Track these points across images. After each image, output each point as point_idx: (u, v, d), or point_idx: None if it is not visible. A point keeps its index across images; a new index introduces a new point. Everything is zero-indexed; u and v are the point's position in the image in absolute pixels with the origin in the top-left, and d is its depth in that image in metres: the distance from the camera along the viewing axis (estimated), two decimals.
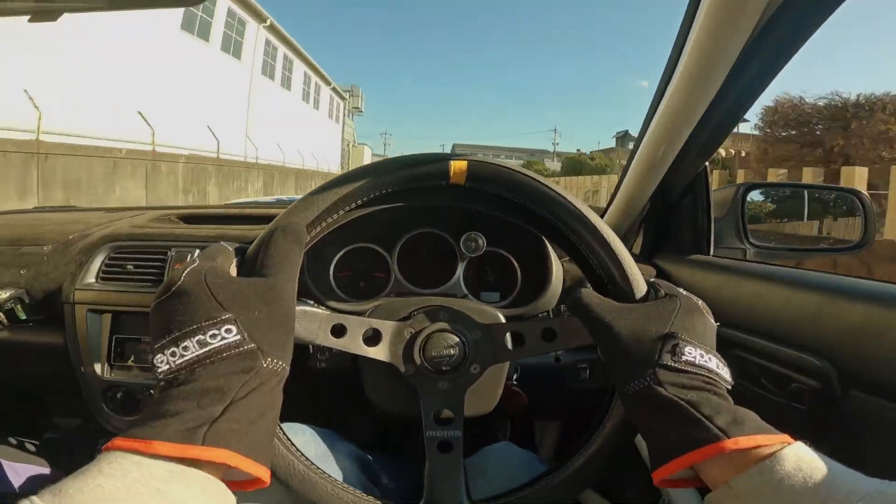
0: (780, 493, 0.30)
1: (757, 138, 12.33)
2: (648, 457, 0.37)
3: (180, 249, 0.77)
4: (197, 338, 0.32)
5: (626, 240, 0.94)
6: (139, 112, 8.79)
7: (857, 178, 7.29)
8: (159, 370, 0.32)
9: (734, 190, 0.84)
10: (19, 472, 0.86)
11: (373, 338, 0.50)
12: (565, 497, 0.47)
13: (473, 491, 0.51)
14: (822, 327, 0.52)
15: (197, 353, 0.32)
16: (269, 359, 0.33)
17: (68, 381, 0.79)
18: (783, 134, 11.19)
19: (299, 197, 0.47)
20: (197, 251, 0.76)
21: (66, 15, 0.64)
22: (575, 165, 24.49)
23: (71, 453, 1.02)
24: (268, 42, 16.28)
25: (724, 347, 0.61)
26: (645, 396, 0.36)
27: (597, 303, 0.42)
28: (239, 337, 0.33)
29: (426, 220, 0.78)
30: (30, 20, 0.65)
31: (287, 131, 17.26)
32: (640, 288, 0.45)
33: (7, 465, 0.85)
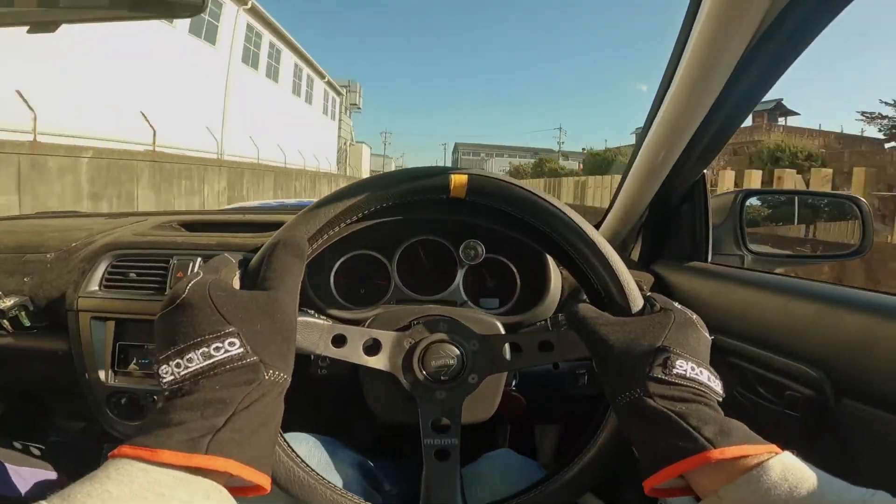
0: (766, 503, 0.30)
1: None
2: (639, 466, 0.38)
3: (182, 258, 0.78)
4: (201, 350, 0.33)
5: (625, 246, 0.94)
6: (18, 92, 6.30)
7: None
8: (164, 381, 0.33)
9: (732, 196, 0.84)
10: (24, 476, 0.87)
11: (373, 347, 0.51)
12: None
13: (471, 498, 0.52)
14: (817, 336, 0.53)
15: (201, 364, 0.33)
16: (271, 371, 0.35)
17: (72, 387, 0.80)
18: None
19: (305, 201, 0.48)
20: (199, 260, 0.77)
21: None
22: (599, 163, 20.08)
23: (75, 457, 1.03)
24: (250, 27, 14.59)
25: (720, 355, 0.62)
26: (635, 408, 0.37)
27: (592, 316, 0.43)
28: (242, 350, 0.34)
29: (426, 228, 0.78)
30: (28, 31, 0.66)
31: (273, 126, 15.72)
32: (637, 302, 0.45)
33: (12, 469, 0.86)
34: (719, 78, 0.62)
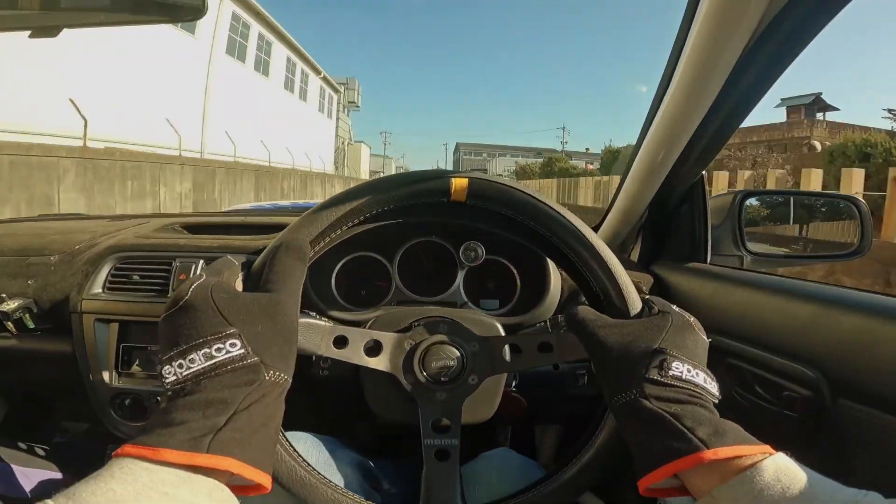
0: (759, 503, 0.31)
1: None
2: (635, 466, 0.39)
3: (184, 260, 0.78)
4: (203, 351, 0.34)
5: (625, 247, 0.95)
6: None
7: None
8: (167, 381, 0.34)
9: (731, 197, 0.85)
10: (30, 476, 0.88)
11: (374, 349, 0.51)
12: None
13: (470, 497, 0.53)
14: (814, 337, 0.54)
15: (203, 365, 0.33)
16: (271, 371, 0.35)
17: (76, 388, 0.81)
18: None
19: (310, 202, 0.49)
20: (202, 262, 0.77)
21: None
22: (624, 161, 21.31)
23: (80, 458, 1.04)
24: (236, 17, 13.47)
25: (719, 356, 0.62)
26: (631, 408, 0.38)
27: (591, 319, 0.44)
28: (243, 351, 0.34)
29: (426, 230, 0.79)
30: (30, 36, 0.66)
31: (261, 123, 14.57)
32: (635, 305, 0.46)
33: (18, 469, 0.87)
34: (717, 79, 0.62)
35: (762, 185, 9.66)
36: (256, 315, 0.36)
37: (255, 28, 14.91)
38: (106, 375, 0.78)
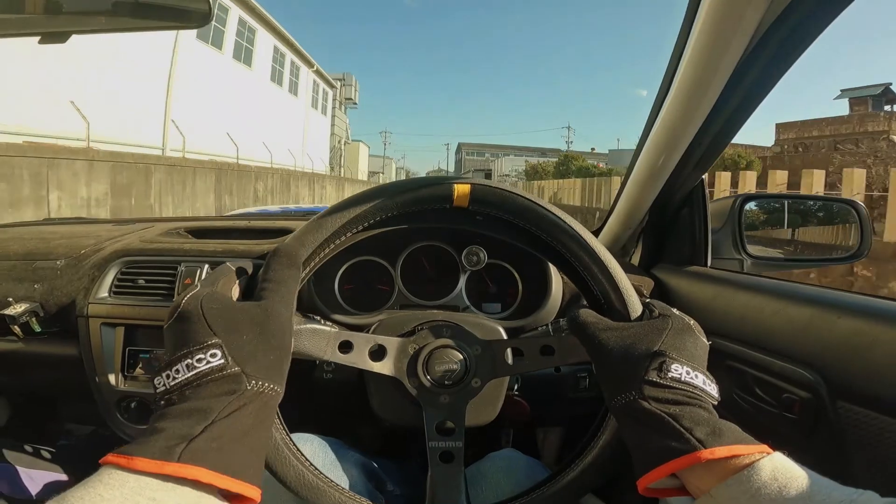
0: (757, 502, 0.32)
1: None
2: (633, 466, 0.39)
3: (190, 264, 0.79)
4: (186, 362, 0.35)
5: (626, 251, 0.95)
6: None
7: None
8: (158, 391, 0.35)
9: (731, 201, 0.85)
10: (36, 478, 0.88)
11: (378, 353, 0.52)
12: None
13: (476, 497, 0.53)
14: (813, 340, 0.54)
15: (186, 375, 0.34)
16: (254, 381, 0.35)
17: (82, 391, 0.81)
18: None
19: (316, 207, 0.49)
20: (207, 266, 0.78)
21: None
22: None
23: (85, 460, 1.05)
24: None
25: (719, 358, 0.63)
26: (630, 409, 0.39)
27: (593, 322, 0.45)
28: (223, 361, 0.35)
29: (429, 234, 0.80)
30: (40, 42, 0.67)
31: (238, 116, 12.89)
32: (635, 308, 0.47)
33: (24, 472, 0.88)
34: (717, 83, 0.63)
35: (838, 185, 8.25)
36: (243, 324, 0.37)
37: (235, 12, 13.20)
38: (112, 378, 0.79)
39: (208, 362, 0.34)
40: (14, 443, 1.01)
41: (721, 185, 9.70)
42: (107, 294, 0.80)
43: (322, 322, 0.54)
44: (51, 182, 5.97)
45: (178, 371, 0.34)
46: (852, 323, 0.51)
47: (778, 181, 8.60)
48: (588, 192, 16.84)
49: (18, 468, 0.90)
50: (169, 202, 8.06)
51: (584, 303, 0.52)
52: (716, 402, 0.39)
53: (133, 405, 0.79)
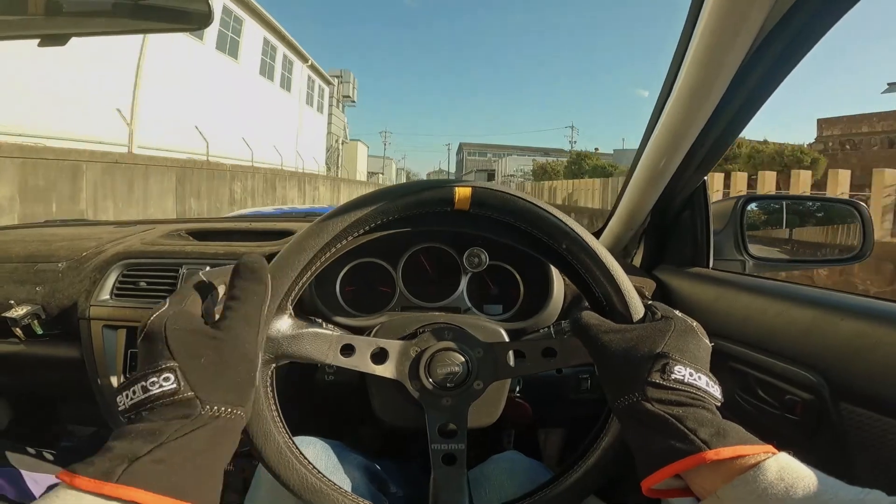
0: (764, 502, 0.31)
1: None
2: (637, 467, 0.39)
3: (191, 266, 0.79)
4: (141, 383, 0.34)
5: (627, 252, 0.95)
6: None
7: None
8: (119, 409, 0.35)
9: (733, 202, 0.85)
10: (38, 481, 0.88)
11: (380, 356, 0.52)
12: None
13: (479, 499, 0.53)
14: (815, 341, 0.54)
15: (140, 397, 0.34)
16: (209, 406, 0.35)
17: (84, 392, 0.81)
18: None
19: (319, 208, 0.49)
20: (208, 268, 0.78)
21: None
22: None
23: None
24: None
25: (721, 360, 0.63)
26: (633, 411, 0.39)
27: (595, 324, 0.45)
28: (175, 386, 0.34)
29: (430, 236, 0.80)
30: (40, 44, 0.67)
31: (222, 112, 11.75)
32: (637, 310, 0.46)
33: (27, 474, 0.88)
34: (719, 86, 0.63)
35: None
36: (201, 348, 0.36)
37: (219, 0, 11.84)
38: (114, 380, 0.79)
39: (161, 386, 0.34)
40: (16, 445, 1.01)
41: (765, 185, 8.38)
42: (108, 296, 0.80)
43: (324, 325, 0.54)
44: None
45: (134, 392, 0.34)
46: (855, 325, 0.51)
47: (840, 182, 7.52)
48: (612, 192, 15.17)
49: (22, 471, 0.90)
50: (109, 207, 6.59)
51: (586, 305, 0.52)
52: (719, 404, 0.39)
53: None
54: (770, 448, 0.34)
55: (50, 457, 1.02)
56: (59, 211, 5.82)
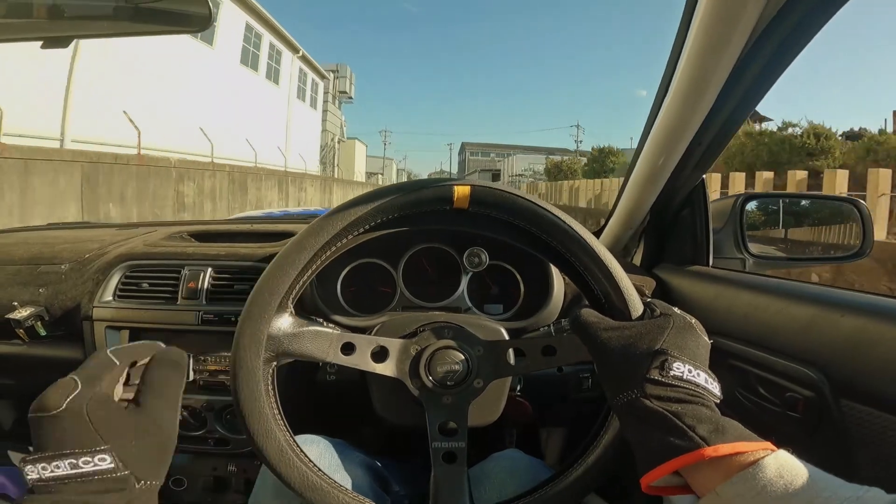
0: (763, 500, 0.32)
1: None
2: (636, 464, 0.39)
3: (193, 268, 0.80)
4: (70, 461, 0.35)
5: (627, 251, 0.95)
6: None
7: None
8: (29, 477, 0.35)
9: (733, 201, 0.86)
10: None
11: (380, 354, 0.52)
12: None
13: (480, 497, 0.53)
14: (815, 338, 0.54)
15: (67, 472, 0.35)
16: (143, 482, 0.37)
17: None
18: None
19: (320, 209, 0.49)
20: (210, 270, 0.78)
21: None
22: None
23: None
24: None
25: (721, 357, 0.63)
26: (632, 407, 0.39)
27: (594, 321, 0.45)
28: (112, 465, 0.36)
29: (430, 236, 0.80)
30: (42, 47, 0.68)
31: (180, 100, 10.20)
32: (637, 308, 0.47)
33: None
34: (716, 83, 0.63)
35: None
36: (128, 432, 0.38)
37: None
38: None
39: (96, 465, 0.35)
40: (20, 446, 1.01)
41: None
42: (111, 298, 0.81)
43: (324, 324, 0.54)
44: None
45: (57, 466, 0.35)
46: (855, 321, 0.51)
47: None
48: None
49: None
50: (16, 214, 5.15)
51: (586, 303, 0.52)
52: (718, 401, 0.40)
53: None
54: (769, 445, 0.35)
55: None
56: None
